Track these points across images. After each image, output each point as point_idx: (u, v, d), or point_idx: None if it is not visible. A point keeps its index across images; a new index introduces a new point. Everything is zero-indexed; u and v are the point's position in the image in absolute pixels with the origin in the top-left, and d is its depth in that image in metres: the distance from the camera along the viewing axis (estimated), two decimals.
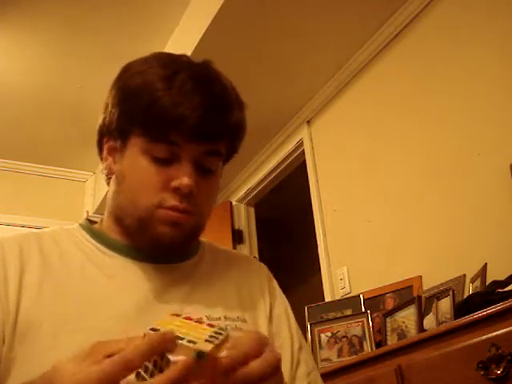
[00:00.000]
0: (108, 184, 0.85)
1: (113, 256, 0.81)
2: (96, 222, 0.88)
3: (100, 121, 0.83)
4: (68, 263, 0.78)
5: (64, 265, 0.78)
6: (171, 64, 0.78)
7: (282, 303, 0.90)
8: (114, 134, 0.81)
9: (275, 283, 0.93)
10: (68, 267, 0.78)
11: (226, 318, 0.79)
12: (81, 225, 0.87)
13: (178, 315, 0.56)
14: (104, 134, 0.83)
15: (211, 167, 0.80)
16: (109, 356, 0.50)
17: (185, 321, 0.55)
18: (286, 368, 0.81)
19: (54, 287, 0.75)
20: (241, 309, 0.83)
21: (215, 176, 0.82)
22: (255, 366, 0.54)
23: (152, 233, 0.77)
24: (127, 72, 0.80)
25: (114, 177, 0.82)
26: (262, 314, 0.85)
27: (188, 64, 0.80)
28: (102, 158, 0.85)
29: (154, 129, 0.76)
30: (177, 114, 0.74)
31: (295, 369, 0.82)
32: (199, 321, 0.56)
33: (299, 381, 0.82)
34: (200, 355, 0.50)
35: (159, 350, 0.50)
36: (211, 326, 0.55)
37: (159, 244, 0.77)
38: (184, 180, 0.75)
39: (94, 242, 0.82)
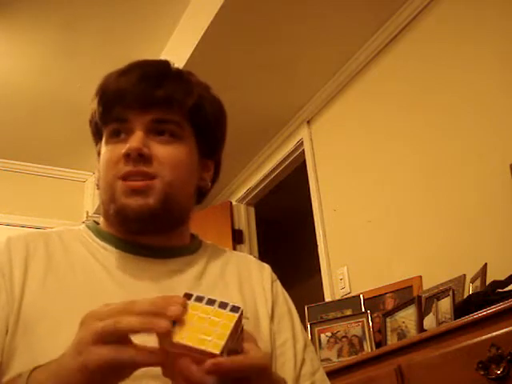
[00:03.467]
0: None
1: (114, 252, 0.82)
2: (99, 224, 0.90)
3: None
4: (72, 260, 0.80)
5: (68, 261, 0.80)
6: (134, 62, 0.84)
7: (284, 303, 0.90)
8: (95, 137, 0.87)
9: (278, 283, 0.93)
10: (72, 264, 0.80)
11: None
12: (87, 225, 0.89)
13: None
14: (95, 143, 0.88)
15: (165, 130, 0.81)
16: None
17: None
18: (289, 367, 0.81)
19: (58, 281, 0.76)
20: (243, 306, 0.83)
21: (179, 143, 0.82)
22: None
23: (117, 206, 0.78)
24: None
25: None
26: (264, 312, 0.85)
27: (149, 61, 0.86)
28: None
29: (104, 112, 0.81)
30: (116, 89, 0.80)
31: (299, 368, 0.82)
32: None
33: (303, 380, 0.82)
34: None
35: (161, 307, 0.52)
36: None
37: (124, 216, 0.78)
38: (130, 143, 0.77)
39: (97, 240, 0.84)
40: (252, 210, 3.83)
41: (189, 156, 0.84)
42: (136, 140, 0.77)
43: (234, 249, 3.52)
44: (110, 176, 0.79)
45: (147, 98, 0.79)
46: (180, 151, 0.82)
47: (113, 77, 0.82)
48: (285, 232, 4.61)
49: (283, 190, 3.72)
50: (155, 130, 0.80)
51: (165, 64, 0.85)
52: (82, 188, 4.16)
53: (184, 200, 0.83)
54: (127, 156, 0.77)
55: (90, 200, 4.06)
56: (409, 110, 2.45)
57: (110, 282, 0.78)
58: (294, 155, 3.27)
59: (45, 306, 0.73)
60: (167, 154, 0.79)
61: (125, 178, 0.77)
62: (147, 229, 0.80)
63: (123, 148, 0.78)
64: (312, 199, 2.99)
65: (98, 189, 0.86)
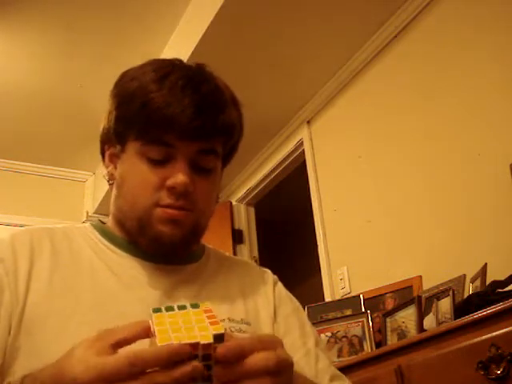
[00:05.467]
0: (111, 189, 0.87)
1: (121, 255, 0.82)
2: (105, 223, 0.90)
3: (101, 129, 0.86)
4: (78, 260, 0.80)
5: (74, 261, 0.80)
6: (164, 67, 0.80)
7: (289, 304, 0.90)
8: (113, 140, 0.84)
9: (280, 286, 0.93)
10: (78, 264, 0.79)
11: (230, 319, 0.80)
12: (92, 224, 0.88)
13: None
14: (105, 141, 0.86)
15: (207, 166, 0.81)
16: (115, 344, 0.54)
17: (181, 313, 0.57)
18: (302, 366, 0.81)
19: (63, 282, 0.76)
20: (245, 311, 0.83)
21: (213, 175, 0.82)
22: (252, 360, 0.54)
23: (151, 232, 0.78)
24: (123, 78, 0.83)
25: (115, 182, 0.84)
26: (266, 316, 0.85)
27: (180, 66, 0.82)
28: (105, 166, 0.87)
29: (147, 131, 0.77)
30: (167, 114, 0.75)
31: (314, 363, 0.83)
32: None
33: (322, 374, 0.82)
34: (217, 337, 0.52)
35: (166, 361, 0.51)
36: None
37: (159, 243, 0.78)
38: (178, 178, 0.76)
39: (103, 240, 0.84)
40: (252, 210, 3.83)
41: (219, 182, 0.86)
42: (183, 174, 0.76)
43: (234, 249, 3.53)
44: (148, 201, 0.77)
45: (199, 130, 0.77)
46: (214, 182, 0.84)
47: (157, 90, 0.76)
48: (285, 232, 4.61)
49: (283, 190, 3.72)
50: (198, 161, 0.79)
51: (211, 86, 0.80)
52: (82, 188, 4.16)
53: (208, 220, 0.84)
54: (172, 188, 0.77)
55: (90, 200, 4.06)
56: (409, 109, 2.45)
57: (116, 286, 0.78)
58: (294, 155, 3.27)
59: (49, 307, 0.73)
60: (205, 188, 0.81)
61: (164, 206, 0.77)
62: (175, 252, 0.81)
63: (164, 174, 0.77)
64: (312, 199, 2.99)
65: (109, 185, 0.85)
